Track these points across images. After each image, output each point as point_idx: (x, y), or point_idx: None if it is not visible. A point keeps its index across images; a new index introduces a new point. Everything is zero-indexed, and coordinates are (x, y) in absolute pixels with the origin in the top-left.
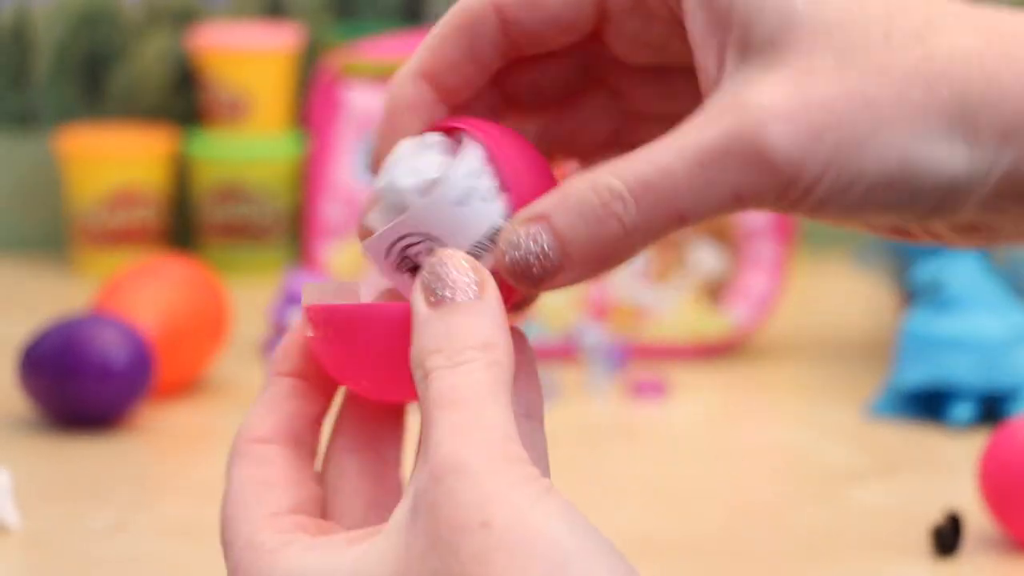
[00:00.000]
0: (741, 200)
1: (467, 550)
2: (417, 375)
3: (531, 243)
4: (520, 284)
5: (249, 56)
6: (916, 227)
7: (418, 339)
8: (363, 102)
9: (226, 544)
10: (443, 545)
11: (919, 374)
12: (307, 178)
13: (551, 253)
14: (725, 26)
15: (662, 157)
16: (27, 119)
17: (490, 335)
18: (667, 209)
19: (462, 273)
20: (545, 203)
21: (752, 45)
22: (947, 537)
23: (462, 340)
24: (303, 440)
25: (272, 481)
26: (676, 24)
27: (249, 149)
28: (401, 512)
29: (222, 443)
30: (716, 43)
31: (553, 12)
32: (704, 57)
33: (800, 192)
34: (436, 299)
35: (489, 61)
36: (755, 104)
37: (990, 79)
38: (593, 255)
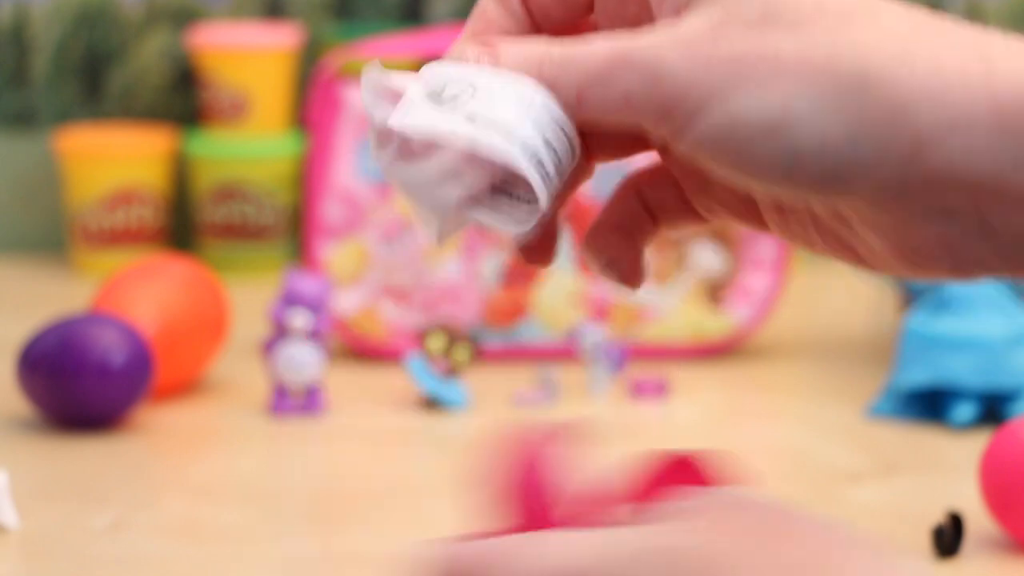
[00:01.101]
0: (630, 104)
1: None
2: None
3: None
4: None
5: (249, 56)
6: (797, 215)
7: None
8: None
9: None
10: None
11: (920, 374)
12: (307, 178)
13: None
14: None
15: (591, 46)
16: (26, 119)
17: None
18: (573, 81)
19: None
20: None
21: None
22: (948, 538)
23: None
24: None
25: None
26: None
27: (249, 149)
28: None
29: (222, 443)
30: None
31: None
32: (658, 7)
33: (682, 117)
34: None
35: None
36: (668, 31)
37: (892, 68)
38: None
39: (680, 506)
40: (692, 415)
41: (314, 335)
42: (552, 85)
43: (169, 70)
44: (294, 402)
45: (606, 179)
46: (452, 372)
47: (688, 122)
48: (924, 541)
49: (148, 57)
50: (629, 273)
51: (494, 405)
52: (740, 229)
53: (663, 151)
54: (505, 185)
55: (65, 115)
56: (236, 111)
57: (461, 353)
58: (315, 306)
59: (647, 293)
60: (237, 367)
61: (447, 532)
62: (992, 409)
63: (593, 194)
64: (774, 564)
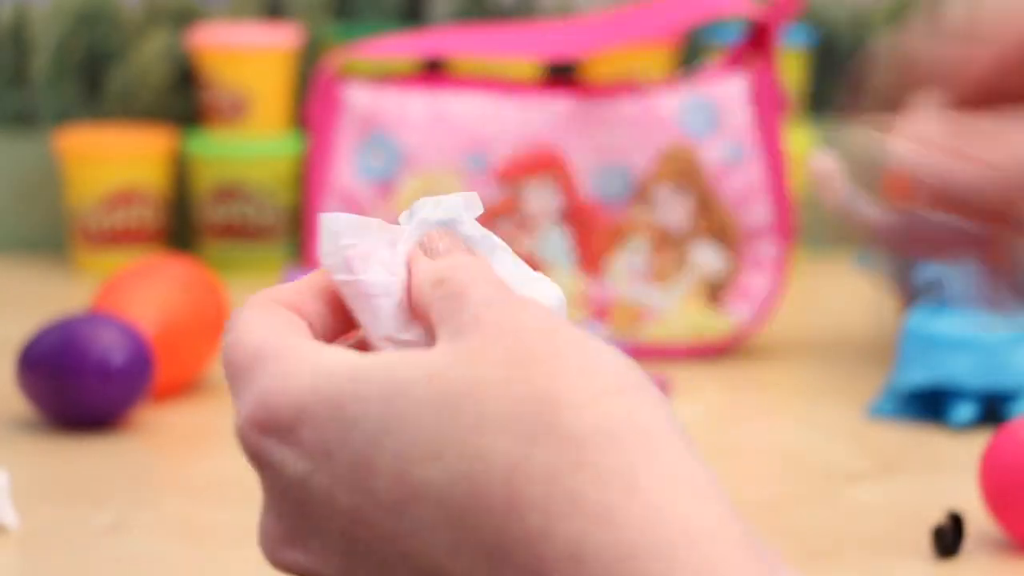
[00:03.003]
0: None
1: (534, 344)
2: (426, 291)
3: None
4: None
5: (249, 56)
6: None
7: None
8: (362, 102)
9: (253, 356)
10: (509, 340)
11: (920, 374)
12: (306, 178)
13: None
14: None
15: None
16: (26, 119)
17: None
18: None
19: (457, 241)
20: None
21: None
22: (948, 538)
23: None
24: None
25: (292, 321)
26: None
27: (248, 149)
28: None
29: (222, 443)
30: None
31: None
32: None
33: None
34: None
35: None
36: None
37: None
38: None
39: (458, 322)
40: (692, 415)
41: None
42: None
43: (169, 70)
44: None
45: (607, 179)
46: None
47: None
48: (924, 541)
49: (148, 57)
50: None
51: None
52: (740, 228)
53: None
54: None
55: (65, 115)
56: (236, 111)
57: None
58: None
59: (647, 293)
60: None
61: None
62: (992, 409)
63: (593, 193)
64: (515, 398)
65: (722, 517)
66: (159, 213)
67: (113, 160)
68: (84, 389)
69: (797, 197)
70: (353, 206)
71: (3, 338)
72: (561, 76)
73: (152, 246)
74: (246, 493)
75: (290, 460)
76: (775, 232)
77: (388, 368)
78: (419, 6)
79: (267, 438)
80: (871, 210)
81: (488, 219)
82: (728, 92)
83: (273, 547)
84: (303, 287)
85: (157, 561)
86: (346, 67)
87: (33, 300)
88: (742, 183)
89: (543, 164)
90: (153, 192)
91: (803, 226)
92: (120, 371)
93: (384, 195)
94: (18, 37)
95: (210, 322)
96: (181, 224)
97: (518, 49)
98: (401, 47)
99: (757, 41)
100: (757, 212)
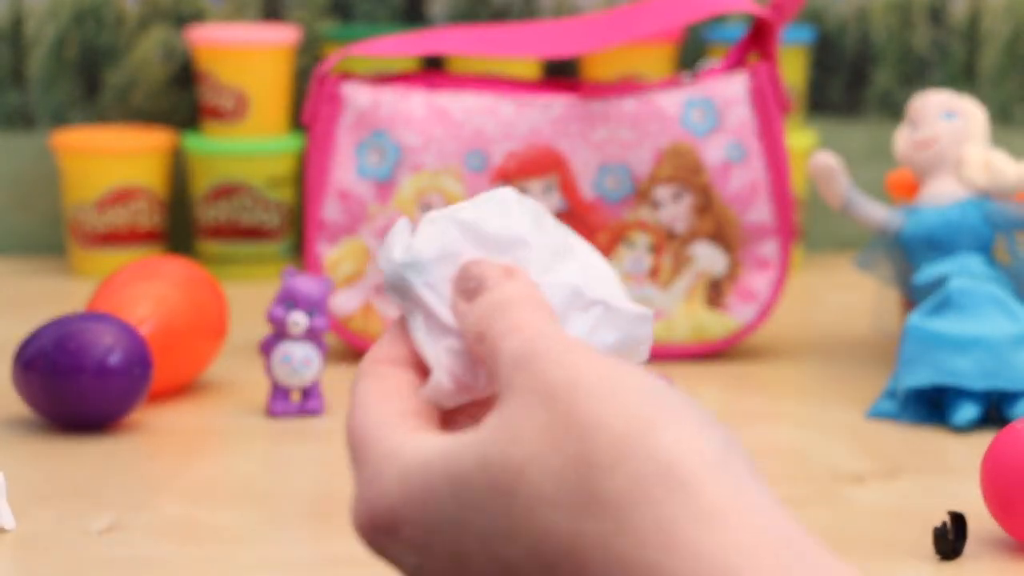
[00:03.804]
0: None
1: (559, 409)
2: (475, 347)
3: None
4: None
5: (247, 55)
6: None
7: (463, 324)
8: (362, 101)
9: (357, 444)
10: (537, 407)
11: (922, 375)
12: (306, 177)
13: None
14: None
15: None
16: (23, 118)
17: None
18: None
19: (489, 267)
20: None
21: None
22: (950, 539)
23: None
24: (423, 367)
25: (394, 391)
26: None
27: (247, 148)
28: (500, 401)
29: (221, 443)
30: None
31: None
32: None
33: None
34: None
35: None
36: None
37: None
38: None
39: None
40: None
41: (313, 335)
42: None
43: (167, 69)
44: (293, 402)
45: (607, 178)
46: None
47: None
48: (926, 542)
49: (146, 56)
50: None
51: None
52: (740, 228)
53: None
54: None
55: (62, 114)
56: (235, 110)
57: None
58: (314, 306)
59: (648, 293)
60: (236, 367)
61: None
62: (994, 410)
63: (593, 193)
64: (555, 472)
65: (763, 541)
66: (157, 212)
67: (111, 159)
68: (81, 389)
69: (797, 197)
70: (353, 206)
71: (0, 338)
72: (561, 76)
73: (150, 245)
74: (245, 494)
75: (403, 554)
76: (776, 232)
77: (449, 460)
78: (419, 6)
79: (380, 537)
80: (872, 208)
81: None
82: (729, 91)
83: None
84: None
85: (155, 562)
86: (345, 66)
87: (30, 300)
88: (743, 182)
89: (543, 164)
90: (151, 191)
91: (803, 226)
92: (118, 371)
93: (384, 194)
94: (15, 35)
95: (209, 322)
96: (179, 223)
97: (518, 49)
98: (401, 47)
99: (758, 39)
100: (758, 211)
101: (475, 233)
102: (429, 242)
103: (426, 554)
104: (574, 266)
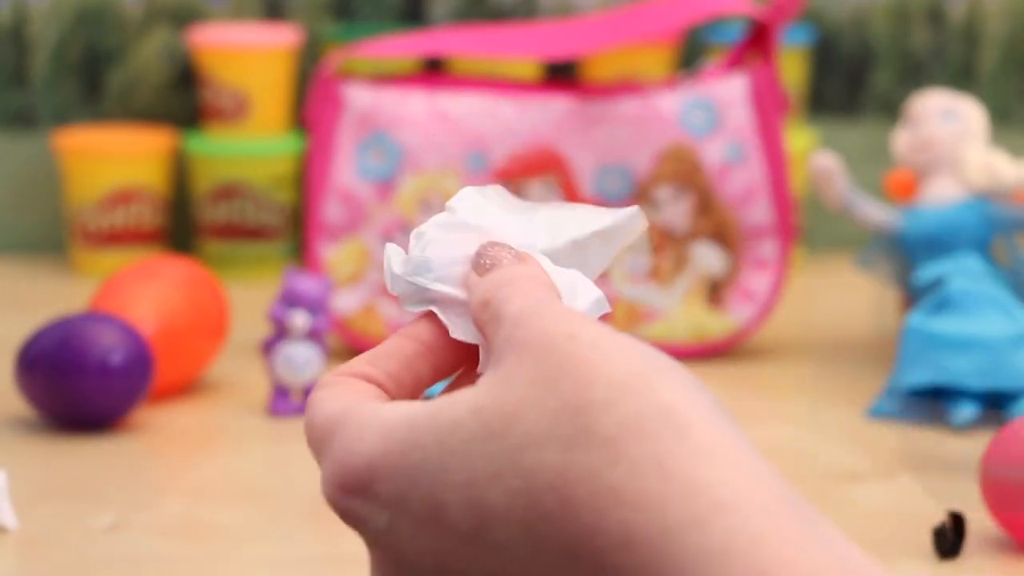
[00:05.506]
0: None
1: (558, 356)
2: (479, 315)
3: None
4: None
5: (249, 55)
6: None
7: (472, 296)
8: (362, 102)
9: (326, 427)
10: (536, 357)
11: (921, 374)
12: (306, 177)
13: None
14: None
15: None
16: (25, 118)
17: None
18: None
19: (504, 250)
20: None
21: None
22: (949, 538)
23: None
24: (387, 386)
25: (361, 390)
26: None
27: (248, 148)
28: (489, 369)
29: (222, 443)
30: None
31: None
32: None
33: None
34: (484, 268)
35: None
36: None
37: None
38: None
39: (497, 352)
40: None
41: (314, 335)
42: None
43: (169, 70)
44: (294, 402)
45: (607, 179)
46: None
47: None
48: (925, 542)
49: (148, 57)
50: None
51: None
52: (740, 228)
53: None
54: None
55: (64, 115)
56: (236, 111)
57: None
58: (315, 306)
59: (648, 293)
60: (237, 367)
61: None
62: (993, 409)
63: (593, 193)
64: (550, 412)
65: (753, 481)
66: (159, 213)
67: (113, 160)
68: (83, 389)
69: (797, 197)
70: (353, 206)
71: (2, 338)
72: (561, 76)
73: (152, 246)
74: (246, 493)
75: (373, 514)
76: (776, 232)
77: (439, 412)
78: (419, 6)
79: (350, 498)
80: (872, 208)
81: None
82: (728, 92)
83: None
84: (370, 355)
85: (157, 561)
86: (346, 67)
87: (32, 300)
88: (742, 183)
89: (543, 164)
90: (153, 192)
91: (803, 226)
92: (119, 371)
93: (384, 195)
94: (17, 36)
95: (210, 322)
96: (181, 224)
97: (518, 49)
98: (401, 47)
99: (758, 40)
100: (758, 212)
101: (456, 226)
102: (423, 248)
103: (400, 509)
104: (546, 224)
